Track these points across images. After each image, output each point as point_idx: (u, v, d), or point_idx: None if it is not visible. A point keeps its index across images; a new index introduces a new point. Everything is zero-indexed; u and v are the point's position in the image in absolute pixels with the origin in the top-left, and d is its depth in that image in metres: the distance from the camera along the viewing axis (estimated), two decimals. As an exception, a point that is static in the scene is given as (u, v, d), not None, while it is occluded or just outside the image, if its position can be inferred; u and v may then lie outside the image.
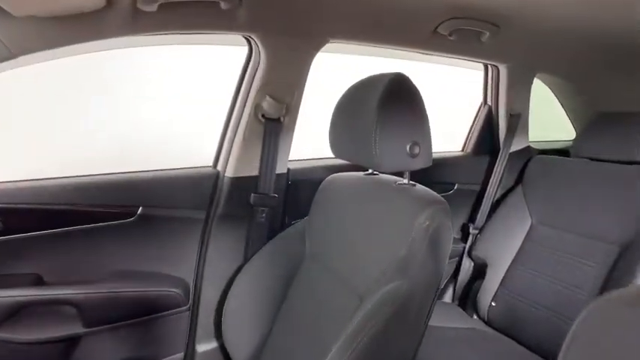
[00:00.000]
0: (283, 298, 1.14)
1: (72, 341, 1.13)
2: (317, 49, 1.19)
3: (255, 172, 1.23)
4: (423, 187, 0.97)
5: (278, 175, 1.27)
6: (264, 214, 1.25)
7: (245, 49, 1.19)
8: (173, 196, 1.21)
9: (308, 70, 1.21)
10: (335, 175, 1.16)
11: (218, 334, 1.26)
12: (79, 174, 1.15)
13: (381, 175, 1.09)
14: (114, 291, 1.14)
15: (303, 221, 1.20)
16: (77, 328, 1.11)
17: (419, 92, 0.90)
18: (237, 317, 1.16)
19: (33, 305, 1.07)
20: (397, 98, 0.88)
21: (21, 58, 0.93)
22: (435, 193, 0.94)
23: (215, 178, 1.25)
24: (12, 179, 1.07)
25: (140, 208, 1.17)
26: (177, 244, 1.24)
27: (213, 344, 1.27)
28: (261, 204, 1.24)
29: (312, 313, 1.04)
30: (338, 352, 0.73)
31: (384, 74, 0.91)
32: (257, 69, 1.16)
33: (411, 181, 0.97)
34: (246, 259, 1.24)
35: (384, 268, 0.85)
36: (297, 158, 1.38)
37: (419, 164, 0.90)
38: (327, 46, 1.20)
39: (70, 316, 1.11)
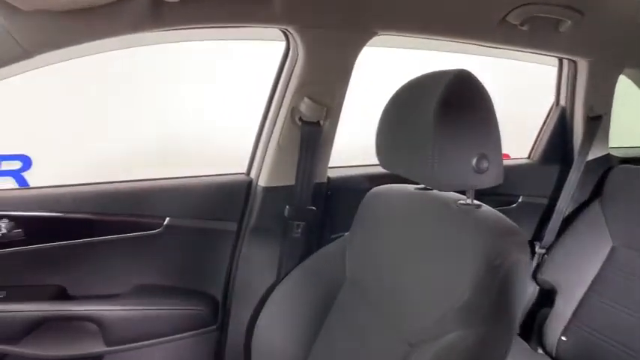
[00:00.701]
0: (320, 324, 1.01)
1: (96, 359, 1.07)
2: (363, 43, 1.05)
3: (290, 182, 1.11)
4: (492, 209, 0.79)
5: (316, 184, 1.13)
6: (299, 229, 1.12)
7: (283, 45, 1.07)
8: (202, 206, 1.12)
9: (352, 68, 1.06)
10: (381, 187, 1.00)
11: (247, 357, 1.16)
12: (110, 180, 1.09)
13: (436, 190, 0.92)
14: (138, 308, 1.07)
15: (344, 238, 1.05)
16: (99, 347, 1.05)
17: (487, 93, 0.73)
18: (268, 341, 1.04)
19: (55, 320, 1.01)
20: (461, 101, 0.71)
21: (38, 58, 0.87)
22: (507, 219, 0.76)
23: (248, 187, 1.14)
24: (33, 186, 1.02)
25: (167, 219, 1.08)
26: (205, 258, 1.15)
27: (242, 366, 1.17)
28: (296, 217, 1.12)
29: (352, 349, 0.90)
30: None
31: (444, 71, 0.74)
32: (294, 67, 1.03)
33: (475, 201, 0.80)
34: (280, 278, 1.12)
35: (440, 315, 0.69)
36: (338, 165, 1.25)
37: (487, 182, 0.73)
38: (374, 39, 1.04)
39: (92, 333, 1.05)
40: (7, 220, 0.96)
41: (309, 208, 1.12)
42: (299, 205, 1.11)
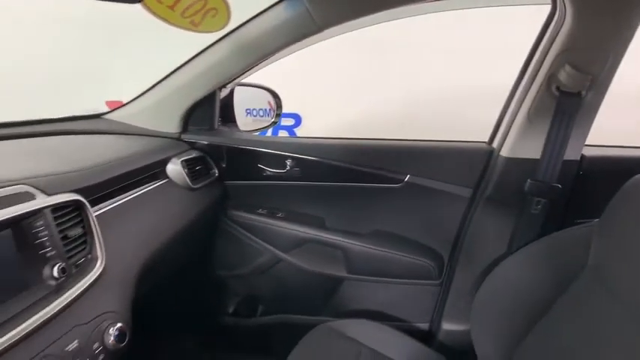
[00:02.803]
0: (546, 308, 0.97)
1: (337, 281, 1.30)
2: None
3: (536, 155, 1.06)
4: None
5: (566, 161, 1.05)
6: (539, 206, 1.07)
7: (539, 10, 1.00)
8: (441, 169, 1.19)
9: (632, 34, 0.92)
10: None
11: (465, 318, 1.20)
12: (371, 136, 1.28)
13: None
14: (375, 248, 1.24)
15: (591, 224, 0.96)
16: (341, 272, 1.28)
17: None
18: (488, 310, 1.06)
19: (314, 242, 1.28)
20: None
21: (326, 32, 1.07)
22: None
23: (488, 156, 1.15)
24: (310, 136, 1.29)
25: (407, 176, 1.20)
26: (438, 218, 1.23)
27: (459, 326, 1.23)
28: (537, 193, 1.07)
29: (587, 342, 0.84)
30: None
31: None
32: (559, 32, 0.96)
33: None
34: (510, 252, 1.11)
35: None
36: (596, 144, 1.11)
37: None
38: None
39: (338, 259, 1.28)
40: (291, 160, 1.25)
41: (554, 186, 1.05)
42: (542, 180, 1.06)
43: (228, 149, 1.28)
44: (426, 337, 1.28)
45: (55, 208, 0.71)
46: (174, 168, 1.13)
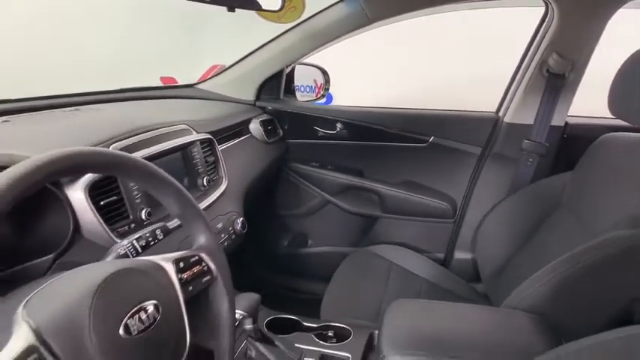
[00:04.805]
0: (532, 233, 1.31)
1: (373, 219, 1.68)
2: (616, 6, 1.21)
3: (530, 121, 1.40)
4: None
5: (553, 127, 1.39)
6: (531, 160, 1.42)
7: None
8: (458, 132, 1.54)
9: (603, 28, 1.25)
10: (611, 134, 1.16)
11: (472, 248, 1.56)
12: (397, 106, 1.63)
13: None
14: (405, 193, 1.60)
15: (568, 173, 1.28)
16: (377, 211, 1.65)
17: None
18: (489, 238, 1.41)
19: (355, 188, 1.65)
20: None
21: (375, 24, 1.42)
22: None
23: (495, 122, 1.49)
24: (354, 105, 1.65)
25: (432, 137, 1.56)
26: (454, 170, 1.58)
27: (467, 255, 1.59)
28: (531, 150, 1.41)
29: (552, 246, 1.19)
30: (547, 272, 0.89)
31: None
32: (549, 27, 1.30)
33: None
34: (508, 195, 1.46)
35: (621, 215, 0.92)
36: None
37: None
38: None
39: (374, 202, 1.65)
40: (340, 124, 1.61)
41: (543, 144, 1.40)
42: (535, 140, 1.40)
43: (290, 114, 1.64)
44: (442, 264, 1.64)
45: (202, 140, 1.09)
46: (255, 127, 1.50)
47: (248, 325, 0.90)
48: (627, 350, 0.58)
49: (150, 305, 0.49)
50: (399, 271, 1.41)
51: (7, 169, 0.41)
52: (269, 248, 1.81)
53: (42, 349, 0.39)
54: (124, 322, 0.46)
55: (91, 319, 0.43)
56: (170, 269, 0.56)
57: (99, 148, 0.51)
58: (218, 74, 1.64)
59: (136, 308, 0.47)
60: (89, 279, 0.47)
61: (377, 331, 0.97)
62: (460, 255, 1.60)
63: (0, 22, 2.42)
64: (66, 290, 0.46)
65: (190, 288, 0.58)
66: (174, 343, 0.52)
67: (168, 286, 0.54)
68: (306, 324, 1.09)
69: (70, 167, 0.46)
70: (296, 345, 0.98)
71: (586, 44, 1.28)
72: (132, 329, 0.46)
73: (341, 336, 1.03)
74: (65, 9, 2.68)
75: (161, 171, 0.58)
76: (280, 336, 1.01)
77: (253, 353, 0.91)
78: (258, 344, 0.92)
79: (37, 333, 0.40)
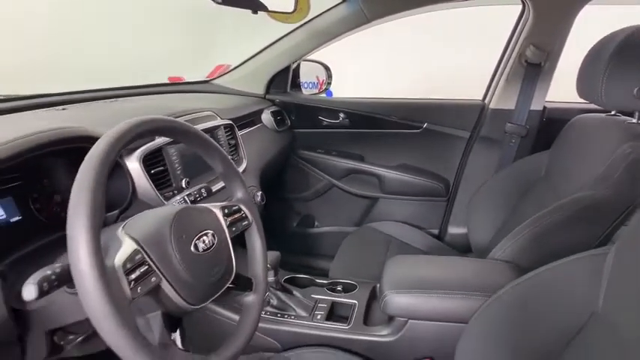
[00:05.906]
0: (516, 206, 1.47)
1: (374, 200, 1.85)
2: (583, 3, 1.37)
3: (512, 107, 1.57)
4: None
5: (533, 111, 1.56)
6: (513, 141, 1.59)
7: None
8: (449, 118, 1.71)
9: (572, 22, 1.41)
10: (582, 115, 1.31)
11: (463, 224, 1.73)
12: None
13: (621, 116, 1.22)
14: (400, 174, 1.77)
15: (547, 152, 1.44)
16: (377, 192, 1.82)
17: None
18: (478, 213, 1.57)
19: (356, 172, 1.82)
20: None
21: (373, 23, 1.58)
22: None
23: (481, 108, 1.66)
24: (356, 96, 1.82)
25: (425, 124, 1.73)
26: (446, 153, 1.75)
27: (459, 230, 1.75)
28: (513, 131, 1.58)
29: (531, 213, 1.35)
30: (522, 228, 1.05)
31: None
32: (526, 23, 1.47)
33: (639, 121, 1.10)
34: (495, 172, 1.63)
35: (585, 181, 1.07)
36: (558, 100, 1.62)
37: None
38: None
39: (374, 184, 1.82)
40: (343, 114, 1.78)
41: (524, 127, 1.57)
42: (516, 123, 1.57)
43: (296, 106, 1.81)
44: (437, 238, 1.81)
45: (225, 125, 1.26)
46: (266, 117, 1.68)
47: (270, 277, 1.07)
48: (582, 271, 0.74)
49: (209, 233, 0.66)
50: (398, 243, 1.58)
51: (110, 130, 0.58)
52: (279, 229, 1.98)
53: (142, 252, 0.56)
54: (193, 242, 0.63)
55: (172, 238, 0.60)
56: (218, 213, 0.73)
57: (172, 118, 0.67)
58: (230, 71, 1.81)
59: (200, 233, 0.64)
60: (167, 212, 0.64)
61: (379, 285, 1.13)
62: (453, 230, 1.77)
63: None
64: (151, 219, 0.63)
65: (234, 229, 0.74)
66: (225, 264, 0.69)
67: (218, 224, 0.71)
68: (318, 281, 1.25)
69: (152, 130, 0.63)
70: (311, 295, 1.15)
71: (558, 37, 1.45)
72: (199, 247, 0.63)
73: (348, 289, 1.20)
74: (82, 14, 2.86)
75: (211, 140, 0.75)
76: (297, 288, 1.18)
77: (275, 301, 1.08)
78: (279, 293, 1.09)
79: (137, 242, 0.57)
